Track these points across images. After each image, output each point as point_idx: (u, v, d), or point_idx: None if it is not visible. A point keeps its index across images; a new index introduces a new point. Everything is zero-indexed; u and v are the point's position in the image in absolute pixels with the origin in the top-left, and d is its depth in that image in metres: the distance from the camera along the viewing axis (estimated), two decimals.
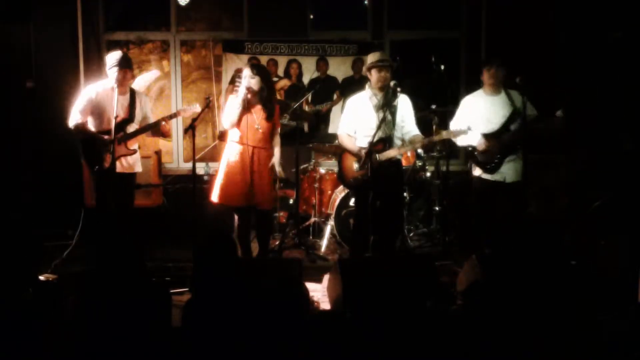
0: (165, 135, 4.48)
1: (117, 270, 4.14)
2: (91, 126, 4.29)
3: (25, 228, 4.24)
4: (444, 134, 4.15)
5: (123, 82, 4.21)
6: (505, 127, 4.34)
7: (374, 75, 4.15)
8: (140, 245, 4.49)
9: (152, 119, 4.44)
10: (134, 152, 4.36)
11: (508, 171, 4.36)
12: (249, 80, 4.19)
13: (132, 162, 4.38)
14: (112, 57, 4.21)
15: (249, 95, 4.20)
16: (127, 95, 4.30)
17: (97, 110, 4.25)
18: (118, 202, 4.30)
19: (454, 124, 4.42)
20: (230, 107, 4.25)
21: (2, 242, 3.88)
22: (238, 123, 4.24)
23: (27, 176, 5.80)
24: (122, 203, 4.34)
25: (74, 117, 4.25)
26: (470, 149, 4.47)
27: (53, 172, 5.76)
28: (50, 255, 4.63)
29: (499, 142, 4.33)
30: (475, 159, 4.45)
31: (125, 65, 4.19)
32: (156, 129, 4.33)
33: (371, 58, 4.19)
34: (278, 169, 4.38)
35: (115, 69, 4.15)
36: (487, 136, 4.35)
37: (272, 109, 4.30)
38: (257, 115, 4.26)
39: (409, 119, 4.24)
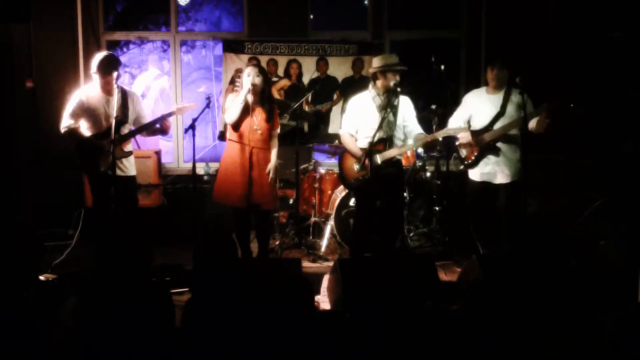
0: (164, 131, 4.37)
1: (117, 270, 4.15)
2: (85, 130, 4.20)
3: (26, 228, 4.23)
4: (443, 132, 4.18)
5: (110, 82, 4.15)
6: (488, 126, 4.39)
7: (388, 78, 4.09)
8: (143, 246, 4.48)
9: (147, 118, 4.37)
10: (130, 153, 4.28)
11: (494, 172, 4.40)
12: (254, 77, 4.18)
13: (127, 165, 4.30)
14: (97, 59, 4.16)
15: (249, 96, 4.19)
16: (119, 96, 4.17)
17: (89, 113, 4.17)
18: (123, 206, 4.27)
19: (453, 120, 4.51)
20: (233, 103, 4.24)
21: (3, 242, 3.87)
22: (239, 123, 4.24)
23: (27, 176, 5.80)
24: (127, 207, 4.31)
25: (65, 122, 4.17)
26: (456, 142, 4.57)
27: (53, 172, 5.76)
28: (50, 255, 4.62)
29: (478, 140, 4.38)
30: (458, 152, 4.59)
31: (110, 68, 4.13)
32: (153, 129, 4.28)
33: (386, 60, 4.14)
34: (272, 175, 4.31)
35: (99, 72, 4.13)
36: (472, 132, 4.41)
37: (271, 110, 4.32)
38: (257, 117, 4.26)
39: (410, 119, 4.25)
